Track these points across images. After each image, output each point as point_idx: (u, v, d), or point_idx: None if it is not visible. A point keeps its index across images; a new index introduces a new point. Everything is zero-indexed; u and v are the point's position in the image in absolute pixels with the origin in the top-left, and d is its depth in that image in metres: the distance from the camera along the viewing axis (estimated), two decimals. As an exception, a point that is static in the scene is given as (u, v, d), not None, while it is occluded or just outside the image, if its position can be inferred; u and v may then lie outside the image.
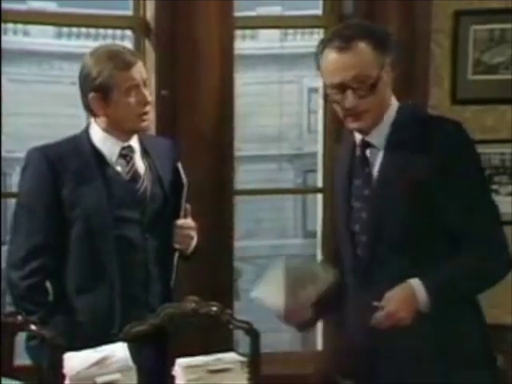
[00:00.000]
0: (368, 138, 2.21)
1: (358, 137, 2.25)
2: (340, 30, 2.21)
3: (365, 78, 2.13)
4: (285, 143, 15.63)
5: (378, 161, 2.21)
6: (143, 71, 2.45)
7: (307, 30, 13.18)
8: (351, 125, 2.19)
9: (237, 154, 3.24)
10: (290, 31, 14.52)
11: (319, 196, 3.41)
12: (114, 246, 2.40)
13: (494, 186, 3.14)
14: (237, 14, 3.16)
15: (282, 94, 15.02)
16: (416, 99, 3.00)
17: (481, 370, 2.17)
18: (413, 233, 2.12)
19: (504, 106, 3.18)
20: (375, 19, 3.00)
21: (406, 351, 2.13)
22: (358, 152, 2.26)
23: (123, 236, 2.43)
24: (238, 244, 3.41)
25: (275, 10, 13.22)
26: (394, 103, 2.22)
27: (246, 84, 12.62)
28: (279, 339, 7.36)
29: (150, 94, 2.48)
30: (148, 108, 2.45)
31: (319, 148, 3.36)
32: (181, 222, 2.50)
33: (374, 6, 3.07)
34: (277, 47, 14.90)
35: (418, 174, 2.12)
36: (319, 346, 3.42)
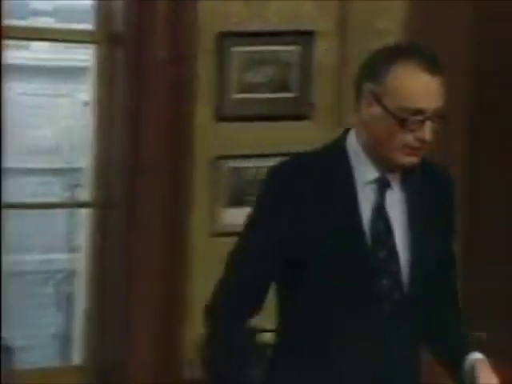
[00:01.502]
0: (391, 179, 1.92)
1: (370, 175, 1.92)
2: (419, 49, 1.92)
3: (442, 112, 1.88)
4: (56, 157, 15.35)
5: (396, 205, 1.93)
6: None
7: (81, 44, 13.01)
8: (408, 159, 1.88)
9: (7, 165, 3.16)
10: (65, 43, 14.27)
11: (86, 210, 3.38)
12: None
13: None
14: (9, 22, 3.07)
15: (57, 107, 14.75)
16: (183, 117, 3.16)
17: None
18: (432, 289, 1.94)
19: (263, 122, 3.39)
20: (144, 38, 3.12)
21: None
22: (368, 191, 1.92)
23: None
24: (7, 259, 3.35)
25: (47, 22, 12.99)
26: None
27: (21, 94, 12.30)
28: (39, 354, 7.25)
29: None
30: None
31: (88, 162, 3.33)
32: None
33: (143, 26, 3.16)
34: (51, 59, 14.63)
35: (432, 223, 1.94)
36: (76, 360, 3.41)
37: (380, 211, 1.91)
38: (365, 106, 1.89)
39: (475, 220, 3.31)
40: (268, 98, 3.40)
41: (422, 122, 1.84)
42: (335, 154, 1.94)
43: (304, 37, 3.43)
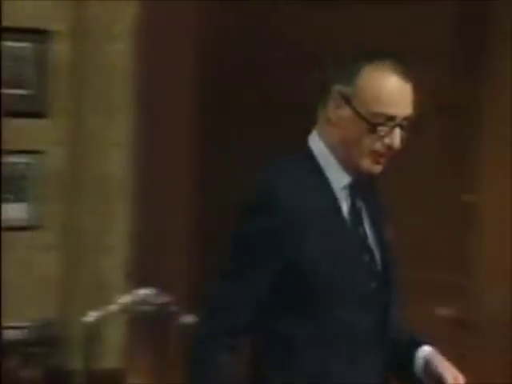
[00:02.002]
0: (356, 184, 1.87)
1: (343, 179, 1.86)
2: (388, 53, 1.86)
3: (411, 118, 1.84)
4: None
5: (363, 208, 1.91)
6: None
7: None
8: (373, 167, 1.84)
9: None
10: None
11: None
12: None
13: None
14: None
15: None
16: None
17: None
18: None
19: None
20: None
21: None
22: (342, 198, 1.87)
23: None
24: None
25: None
26: None
27: None
28: None
29: None
30: None
31: None
32: None
33: None
34: None
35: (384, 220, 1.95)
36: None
37: (356, 214, 1.87)
38: (333, 107, 1.82)
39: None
40: (4, 94, 3.39)
41: (392, 128, 1.79)
42: (304, 158, 1.87)
43: (40, 35, 3.46)
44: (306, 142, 1.90)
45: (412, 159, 3.23)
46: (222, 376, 1.79)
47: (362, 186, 1.88)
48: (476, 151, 3.49)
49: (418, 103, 1.85)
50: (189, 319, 2.75)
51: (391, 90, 1.79)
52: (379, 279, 1.87)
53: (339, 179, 1.85)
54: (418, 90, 1.84)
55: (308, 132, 1.92)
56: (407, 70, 1.81)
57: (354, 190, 1.87)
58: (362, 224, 1.88)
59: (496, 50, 3.42)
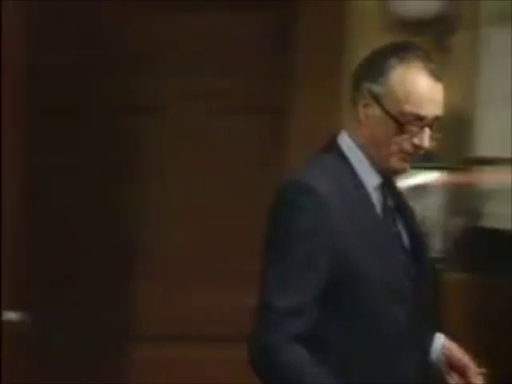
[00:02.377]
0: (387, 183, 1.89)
1: (375, 179, 1.86)
2: (423, 52, 1.84)
3: (440, 119, 1.84)
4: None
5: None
6: None
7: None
8: (402, 166, 1.84)
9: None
10: None
11: None
12: None
13: None
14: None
15: None
16: None
17: None
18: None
19: None
20: None
21: None
22: (375, 197, 1.86)
23: None
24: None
25: None
26: None
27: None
28: None
29: None
30: None
31: None
32: None
33: None
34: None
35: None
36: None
37: (389, 214, 1.88)
38: (362, 106, 1.80)
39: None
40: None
41: (421, 128, 1.78)
42: (337, 158, 1.87)
43: None
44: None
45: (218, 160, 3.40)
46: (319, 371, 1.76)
47: (390, 185, 1.89)
48: (285, 149, 3.40)
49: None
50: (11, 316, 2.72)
51: (422, 89, 1.78)
52: (414, 279, 1.85)
53: (371, 179, 1.84)
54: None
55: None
56: (439, 71, 1.81)
57: (385, 189, 1.87)
58: (395, 224, 1.87)
59: (306, 51, 3.40)
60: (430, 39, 3.44)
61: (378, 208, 1.84)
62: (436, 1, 3.50)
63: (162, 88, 3.41)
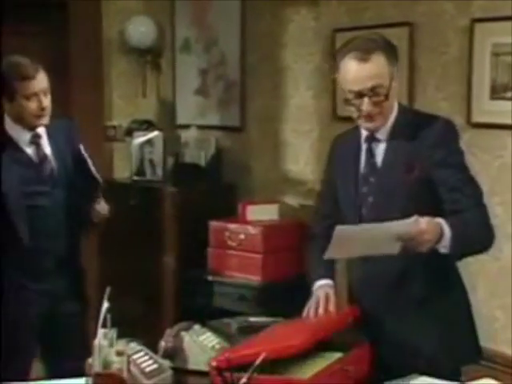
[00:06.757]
0: (377, 135, 2.34)
1: (364, 133, 2.37)
2: (360, 42, 2.26)
3: (380, 88, 2.23)
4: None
5: (381, 153, 2.36)
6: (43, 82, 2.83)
7: None
8: (365, 124, 2.32)
9: None
10: None
11: None
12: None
13: None
14: None
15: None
16: None
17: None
18: (411, 212, 2.13)
19: None
20: None
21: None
22: (363, 145, 2.39)
23: (36, 205, 2.88)
24: None
25: None
26: (396, 104, 2.36)
27: None
28: None
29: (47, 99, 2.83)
30: (44, 111, 2.84)
31: None
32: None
33: None
34: None
35: (415, 162, 2.29)
36: None
37: (368, 158, 2.38)
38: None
39: None
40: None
41: (361, 97, 2.22)
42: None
43: None
44: None
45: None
46: None
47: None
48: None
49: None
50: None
51: (348, 72, 2.24)
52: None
53: (363, 133, 2.40)
54: None
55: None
56: (369, 52, 2.21)
57: (371, 140, 2.38)
58: (373, 165, 2.38)
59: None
60: (149, 60, 5.00)
61: (363, 155, 2.44)
62: (150, 35, 4.88)
63: None
